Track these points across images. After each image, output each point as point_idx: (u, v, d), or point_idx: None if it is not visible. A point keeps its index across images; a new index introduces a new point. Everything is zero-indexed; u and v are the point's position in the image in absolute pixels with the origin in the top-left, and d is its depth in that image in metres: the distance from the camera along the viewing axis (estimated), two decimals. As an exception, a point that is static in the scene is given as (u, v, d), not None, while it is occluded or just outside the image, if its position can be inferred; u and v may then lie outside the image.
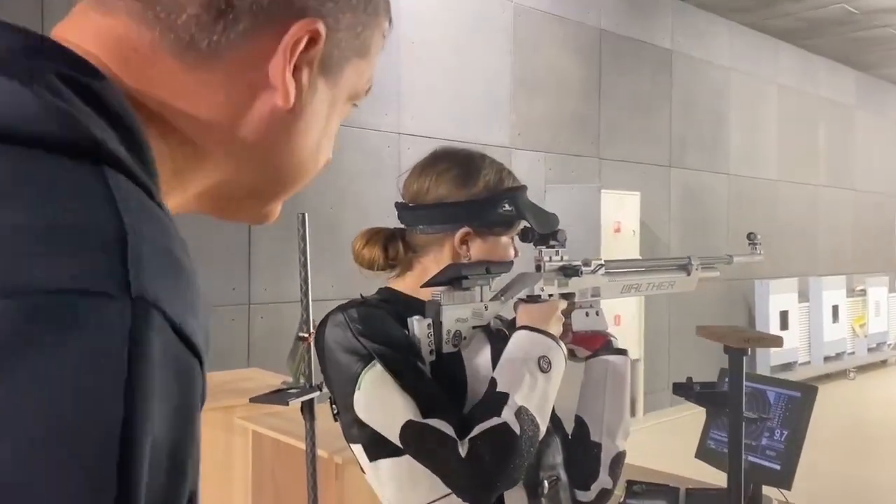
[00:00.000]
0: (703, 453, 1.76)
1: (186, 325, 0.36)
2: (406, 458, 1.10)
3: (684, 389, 1.30)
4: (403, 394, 1.06)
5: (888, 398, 7.26)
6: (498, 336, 1.24)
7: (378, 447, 1.14)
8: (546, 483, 1.17)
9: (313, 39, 0.48)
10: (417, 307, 1.18)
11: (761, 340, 1.24)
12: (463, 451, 1.02)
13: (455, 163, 1.23)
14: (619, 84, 6.10)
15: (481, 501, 1.08)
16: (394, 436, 1.07)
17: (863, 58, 8.61)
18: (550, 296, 1.27)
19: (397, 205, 1.27)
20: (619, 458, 1.26)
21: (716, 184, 7.17)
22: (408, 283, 1.24)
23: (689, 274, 1.42)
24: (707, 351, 7.34)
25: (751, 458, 1.64)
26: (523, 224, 1.24)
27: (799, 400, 1.55)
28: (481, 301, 1.20)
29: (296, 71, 0.48)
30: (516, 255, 1.27)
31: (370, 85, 0.57)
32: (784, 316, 7.49)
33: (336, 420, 1.23)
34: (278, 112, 0.49)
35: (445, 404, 1.08)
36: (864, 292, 8.83)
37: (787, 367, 7.53)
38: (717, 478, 1.80)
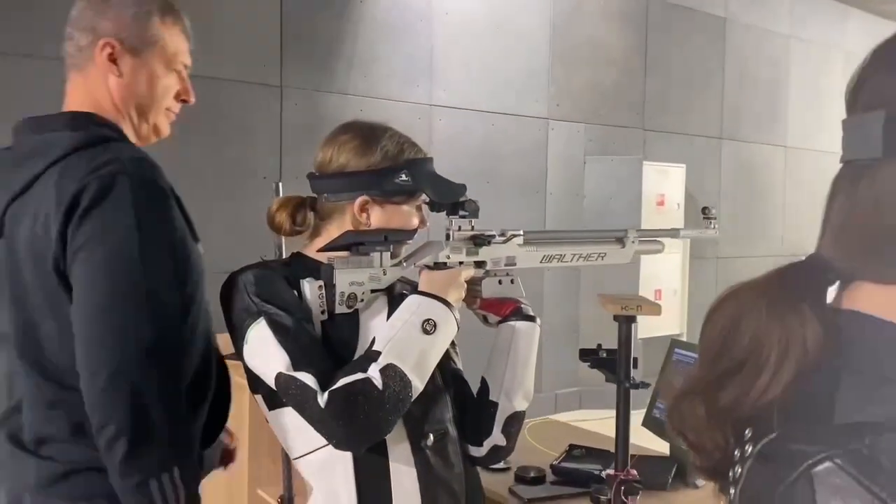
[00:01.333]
0: (649, 422, 1.80)
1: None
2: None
3: (589, 355, 1.35)
4: (279, 348, 1.15)
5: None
6: (399, 299, 1.32)
7: (272, 398, 1.24)
8: (431, 436, 1.24)
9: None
10: (318, 269, 1.27)
11: (640, 307, 1.28)
12: (322, 401, 1.10)
13: (357, 133, 1.30)
14: (668, 54, 5.97)
15: (349, 449, 1.17)
16: (270, 384, 1.17)
17: (942, 22, 8.12)
18: (461, 263, 1.34)
19: (308, 174, 1.36)
20: (514, 417, 1.33)
21: (771, 157, 6.95)
22: (315, 248, 1.33)
23: (623, 246, 1.45)
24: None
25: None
26: (420, 197, 1.31)
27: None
28: (380, 266, 1.27)
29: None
30: (423, 224, 1.34)
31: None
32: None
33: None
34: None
35: (316, 359, 1.15)
36: None
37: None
38: (662, 445, 1.84)
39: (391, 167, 1.28)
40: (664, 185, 5.77)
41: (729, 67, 6.49)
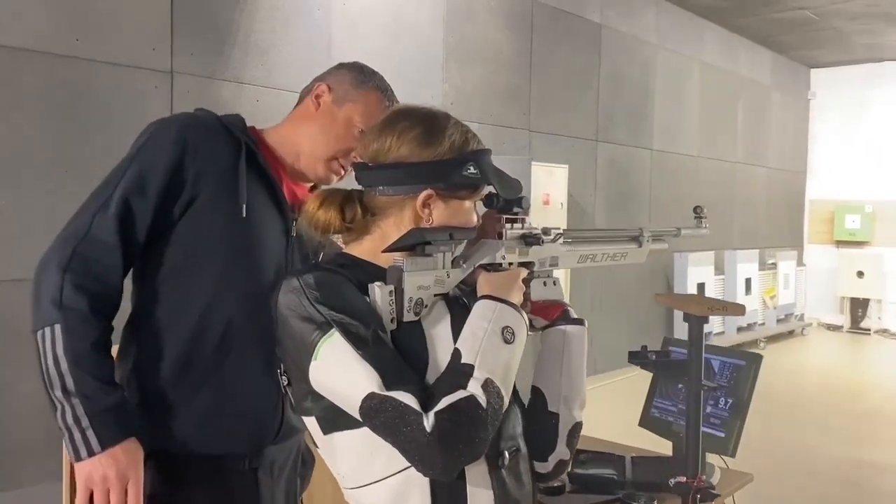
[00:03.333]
0: (647, 422, 1.77)
1: None
2: (363, 431, 1.05)
3: (639, 358, 1.28)
4: (364, 364, 1.01)
5: (795, 367, 7.62)
6: (457, 304, 1.20)
7: (333, 420, 1.08)
8: (507, 454, 1.13)
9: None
10: (376, 273, 1.13)
11: (725, 308, 1.23)
12: (428, 424, 0.97)
13: (418, 121, 1.16)
14: (550, 57, 6.10)
15: (444, 476, 1.03)
16: (353, 408, 1.02)
17: (779, 39, 8.88)
18: (510, 264, 1.23)
19: (355, 165, 1.21)
20: (576, 429, 1.24)
21: (640, 158, 7.30)
22: (365, 248, 1.18)
23: (640, 245, 1.42)
24: (631, 321, 7.47)
25: (695, 426, 1.66)
26: (487, 189, 1.20)
27: (744, 368, 1.57)
28: (443, 268, 1.15)
29: None
30: (478, 221, 1.23)
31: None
32: (701, 288, 7.73)
33: (286, 392, 1.17)
34: None
35: (409, 375, 1.03)
36: (774, 266, 9.21)
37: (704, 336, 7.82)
38: (658, 445, 1.82)
39: (458, 158, 1.15)
40: (549, 185, 5.89)
41: (604, 72, 6.73)
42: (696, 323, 1.20)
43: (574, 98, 6.41)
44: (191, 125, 1.39)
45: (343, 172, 1.50)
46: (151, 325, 1.36)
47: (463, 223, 1.18)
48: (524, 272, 1.22)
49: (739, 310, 1.25)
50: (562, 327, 1.25)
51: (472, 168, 1.15)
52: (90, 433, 1.22)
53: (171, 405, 1.35)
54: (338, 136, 1.45)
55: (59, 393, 1.23)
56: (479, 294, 1.16)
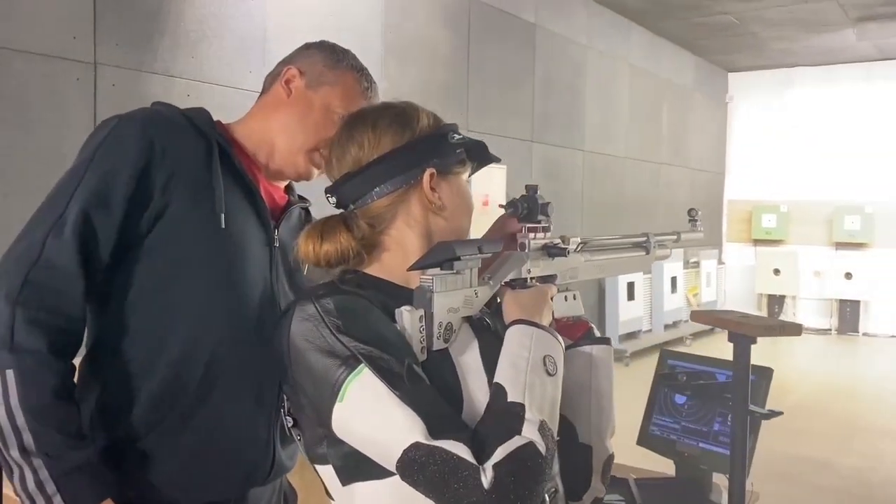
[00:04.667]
0: (647, 440, 1.68)
1: None
2: (392, 482, 0.90)
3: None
4: (403, 407, 0.86)
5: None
6: (481, 327, 1.07)
7: (356, 468, 0.93)
8: (547, 498, 1.01)
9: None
10: (397, 293, 0.98)
11: (783, 329, 1.14)
12: (486, 479, 0.84)
13: (383, 111, 1.07)
14: (487, 56, 6.02)
15: None
16: (388, 459, 0.87)
17: (701, 43, 9.10)
18: (532, 279, 1.11)
19: (333, 185, 1.06)
20: (609, 462, 1.13)
21: (572, 159, 7.32)
22: (386, 265, 1.04)
23: (647, 252, 1.32)
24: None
25: (702, 445, 1.58)
26: (470, 167, 1.10)
27: (755, 383, 1.49)
28: (472, 286, 1.01)
29: None
30: (485, 203, 1.11)
31: None
32: (630, 287, 7.84)
33: (290, 434, 1.01)
34: None
35: (454, 420, 0.89)
36: (697, 264, 9.43)
37: (633, 335, 7.93)
38: (659, 464, 1.73)
39: (441, 130, 1.06)
40: (488, 186, 5.81)
41: (538, 73, 6.71)
42: (744, 343, 1.11)
43: (510, 98, 6.36)
44: (155, 122, 1.19)
45: (324, 165, 1.34)
46: (119, 359, 1.15)
47: (469, 203, 1.09)
48: (553, 289, 1.10)
49: (797, 330, 1.17)
50: (586, 349, 1.13)
51: (456, 136, 1.05)
52: (57, 499, 1.02)
53: (145, 452, 1.15)
54: (316, 125, 1.29)
55: (15, 453, 1.02)
56: (507, 318, 1.03)
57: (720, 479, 1.61)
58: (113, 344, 1.16)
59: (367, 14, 4.94)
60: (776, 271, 10.00)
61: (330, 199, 1.07)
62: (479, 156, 1.09)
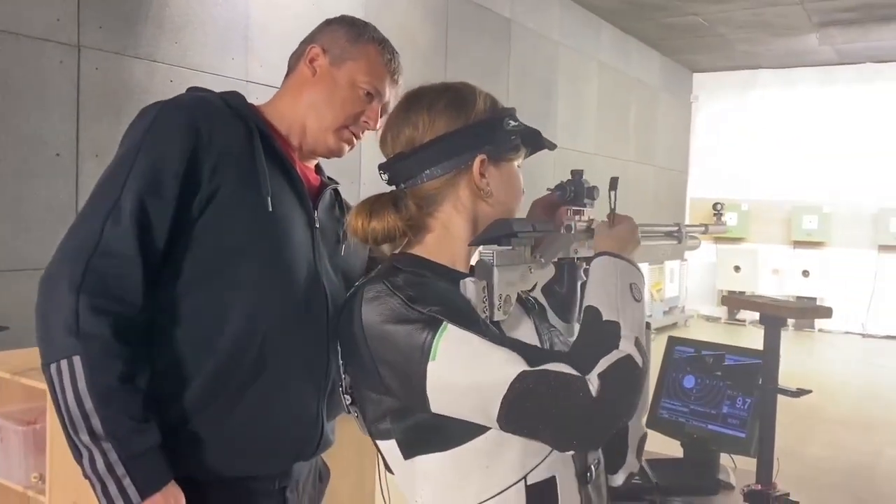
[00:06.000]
0: (655, 422, 1.73)
1: None
2: (453, 454, 0.94)
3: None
4: (499, 348, 0.90)
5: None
6: (528, 305, 1.11)
7: (418, 441, 0.95)
8: (593, 468, 1.05)
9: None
10: (449, 275, 1.01)
11: (816, 312, 1.19)
12: (594, 388, 0.89)
13: (440, 93, 1.08)
14: (464, 50, 6.05)
15: (597, 446, 1.01)
16: (494, 402, 0.89)
17: (668, 43, 9.26)
18: (579, 259, 1.15)
19: (387, 162, 1.09)
20: (643, 439, 1.17)
21: (544, 155, 7.36)
22: (430, 247, 1.06)
23: (679, 242, 1.37)
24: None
25: (711, 427, 1.63)
26: (524, 153, 1.12)
27: (761, 367, 1.55)
28: (527, 263, 1.05)
29: None
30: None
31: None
32: (599, 282, 7.96)
33: (349, 411, 1.03)
34: None
35: (546, 351, 0.96)
36: (661, 262, 9.61)
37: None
38: (667, 446, 1.79)
39: (497, 116, 1.07)
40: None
41: (512, 68, 6.76)
42: (774, 326, 1.16)
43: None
44: (199, 107, 1.20)
45: (355, 141, 1.36)
46: (175, 341, 1.16)
47: (518, 192, 1.10)
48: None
49: (828, 313, 1.22)
50: None
51: (512, 123, 1.07)
52: (127, 482, 1.05)
53: (199, 430, 1.17)
54: (343, 101, 1.31)
55: (84, 437, 1.05)
56: (596, 249, 1.07)
57: (726, 461, 1.68)
58: (167, 326, 1.17)
59: (348, 4, 4.93)
60: (737, 268, 10.24)
61: (383, 175, 1.09)
62: (534, 143, 1.11)
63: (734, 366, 1.38)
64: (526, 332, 1.04)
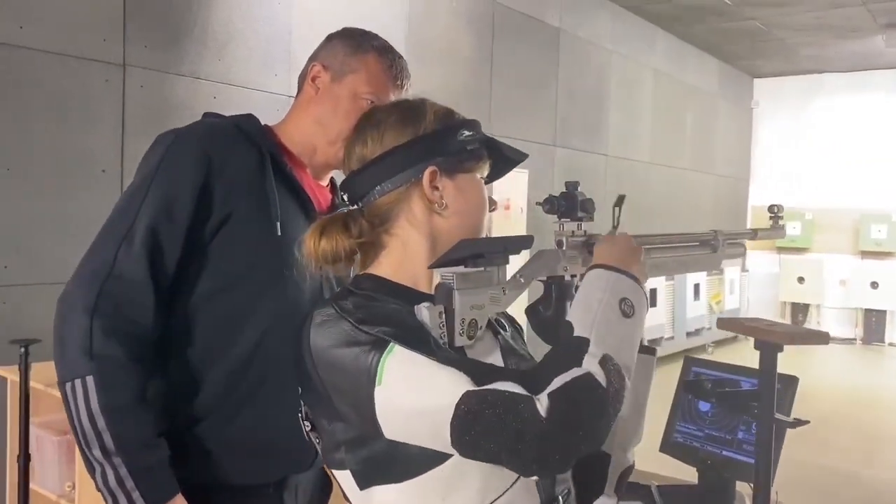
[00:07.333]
0: (669, 447, 1.66)
1: None
2: (410, 485, 0.90)
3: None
4: (445, 368, 0.86)
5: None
6: (496, 329, 1.07)
7: (374, 472, 0.93)
8: (560, 499, 1.00)
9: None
10: (410, 298, 0.98)
11: (810, 337, 1.13)
12: (542, 408, 0.82)
13: (391, 109, 1.06)
14: (510, 60, 6.02)
15: (559, 470, 0.92)
16: (443, 426, 0.85)
17: (726, 48, 9.04)
18: (573, 276, 1.10)
19: (343, 182, 1.07)
20: (626, 473, 1.10)
21: (595, 164, 7.29)
22: (388, 266, 1.03)
23: (714, 251, 1.28)
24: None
25: (725, 453, 1.56)
26: (487, 165, 1.07)
27: (779, 392, 1.47)
28: (500, 284, 1.00)
29: None
30: (493, 207, 1.09)
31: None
32: (653, 294, 7.78)
33: (308, 438, 1.01)
34: None
35: (496, 370, 0.90)
36: (720, 272, 9.35)
37: (654, 342, 7.84)
38: (681, 471, 1.72)
39: (448, 126, 1.03)
40: (510, 191, 5.81)
41: (562, 76, 6.69)
42: (770, 351, 1.10)
43: (533, 102, 6.35)
44: (210, 135, 1.26)
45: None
46: (186, 356, 1.23)
47: (478, 203, 1.05)
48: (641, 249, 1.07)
49: (824, 338, 1.16)
50: None
51: (465, 132, 1.03)
52: (136, 495, 1.11)
53: (202, 437, 1.23)
54: (347, 113, 1.31)
55: (97, 453, 1.11)
56: (594, 261, 1.02)
57: (743, 488, 1.60)
58: (177, 342, 1.23)
59: (392, 17, 4.96)
60: (800, 279, 9.89)
61: (344, 197, 1.08)
62: (496, 154, 1.07)
63: (752, 390, 1.31)
64: (493, 359, 1.00)
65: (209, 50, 3.88)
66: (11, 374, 2.45)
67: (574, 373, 0.86)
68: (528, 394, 0.83)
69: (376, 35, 1.41)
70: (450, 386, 0.84)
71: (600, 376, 0.86)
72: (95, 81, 3.40)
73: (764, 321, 1.18)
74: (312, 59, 1.41)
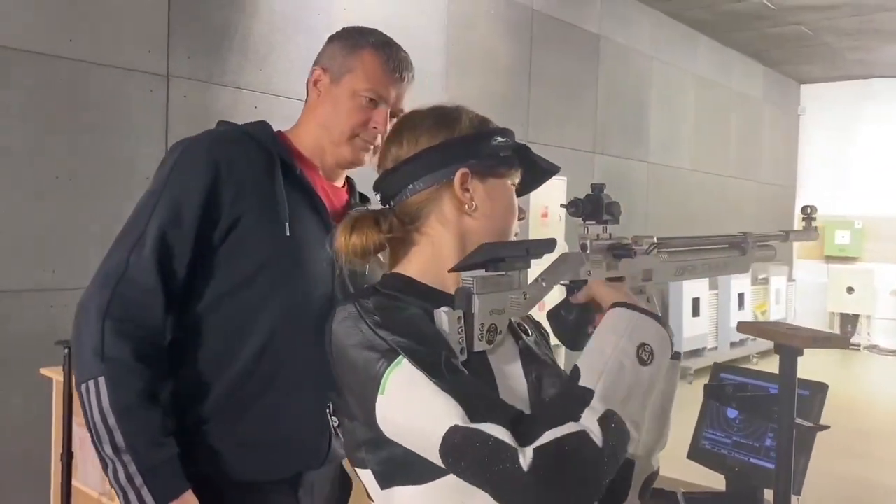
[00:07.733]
0: (697, 454, 1.65)
1: None
2: (431, 487, 0.91)
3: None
4: (442, 394, 0.85)
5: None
6: (519, 336, 1.07)
7: (395, 473, 0.94)
8: None
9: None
10: (436, 298, 0.99)
11: (829, 340, 1.11)
12: (524, 462, 0.80)
13: (427, 112, 1.07)
14: (549, 67, 6.01)
15: None
16: (432, 449, 0.86)
17: (771, 54, 8.89)
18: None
19: (377, 181, 1.10)
20: (651, 479, 1.09)
21: (636, 171, 7.23)
22: (417, 265, 1.05)
23: (744, 253, 1.26)
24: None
25: (753, 460, 1.54)
26: (518, 173, 1.08)
27: (807, 398, 1.45)
28: (521, 288, 1.00)
29: None
30: (522, 216, 1.09)
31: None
32: (696, 303, 7.67)
33: (336, 433, 1.04)
34: None
35: (497, 405, 0.87)
36: (766, 281, 9.17)
37: (697, 352, 7.72)
38: (709, 479, 1.70)
39: (482, 132, 1.05)
40: (547, 198, 5.78)
41: (601, 83, 6.66)
42: (790, 355, 1.09)
43: (572, 109, 6.33)
44: (218, 142, 1.30)
45: (371, 146, 1.39)
46: (197, 356, 1.27)
47: (507, 207, 1.05)
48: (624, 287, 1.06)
49: (844, 343, 1.14)
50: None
51: (499, 138, 1.04)
52: (145, 491, 1.14)
53: (213, 434, 1.26)
54: (348, 112, 1.35)
55: (108, 450, 1.15)
56: (605, 303, 1.01)
57: (771, 496, 1.57)
58: (189, 342, 1.27)
59: (431, 27, 5.01)
60: (849, 289, 9.64)
61: (376, 195, 1.10)
62: (528, 162, 1.08)
63: (772, 395, 1.29)
64: (514, 370, 1.01)
65: (250, 61, 3.97)
66: (57, 375, 2.53)
67: (568, 428, 0.82)
68: (514, 445, 0.81)
69: (374, 30, 1.43)
70: (441, 415, 0.84)
71: (596, 434, 0.83)
72: (140, 92, 3.51)
73: (784, 325, 1.16)
74: (315, 63, 1.44)
